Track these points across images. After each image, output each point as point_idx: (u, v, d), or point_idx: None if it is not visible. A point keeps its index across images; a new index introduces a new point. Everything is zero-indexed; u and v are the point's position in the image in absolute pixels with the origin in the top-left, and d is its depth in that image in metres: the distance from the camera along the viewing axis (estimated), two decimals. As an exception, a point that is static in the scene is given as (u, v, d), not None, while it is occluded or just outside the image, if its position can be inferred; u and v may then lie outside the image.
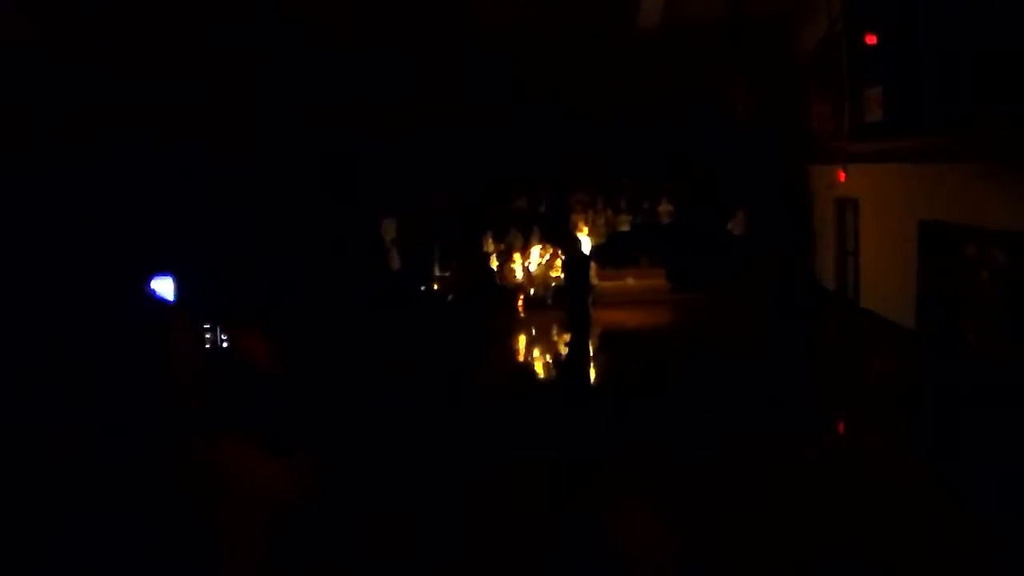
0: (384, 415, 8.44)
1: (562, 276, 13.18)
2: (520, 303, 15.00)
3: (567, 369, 10.95)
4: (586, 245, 13.33)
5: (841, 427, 8.40)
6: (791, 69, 14.18)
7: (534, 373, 11.23)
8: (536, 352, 12.66)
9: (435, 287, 15.47)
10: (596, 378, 10.73)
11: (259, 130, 14.14)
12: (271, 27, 13.30)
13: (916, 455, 7.16)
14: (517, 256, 15.40)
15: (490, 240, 15.62)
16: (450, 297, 15.20)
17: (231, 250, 12.34)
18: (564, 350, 11.81)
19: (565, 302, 12.11)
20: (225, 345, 9.18)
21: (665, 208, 16.16)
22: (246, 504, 4.54)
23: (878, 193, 11.17)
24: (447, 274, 15.56)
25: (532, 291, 15.05)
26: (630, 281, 15.42)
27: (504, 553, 4.55)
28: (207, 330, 9.26)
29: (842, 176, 11.91)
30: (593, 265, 13.24)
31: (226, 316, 9.28)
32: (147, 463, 5.35)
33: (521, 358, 12.36)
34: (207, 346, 9.21)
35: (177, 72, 12.99)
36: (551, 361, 11.73)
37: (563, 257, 12.80)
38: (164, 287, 11.44)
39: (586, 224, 15.48)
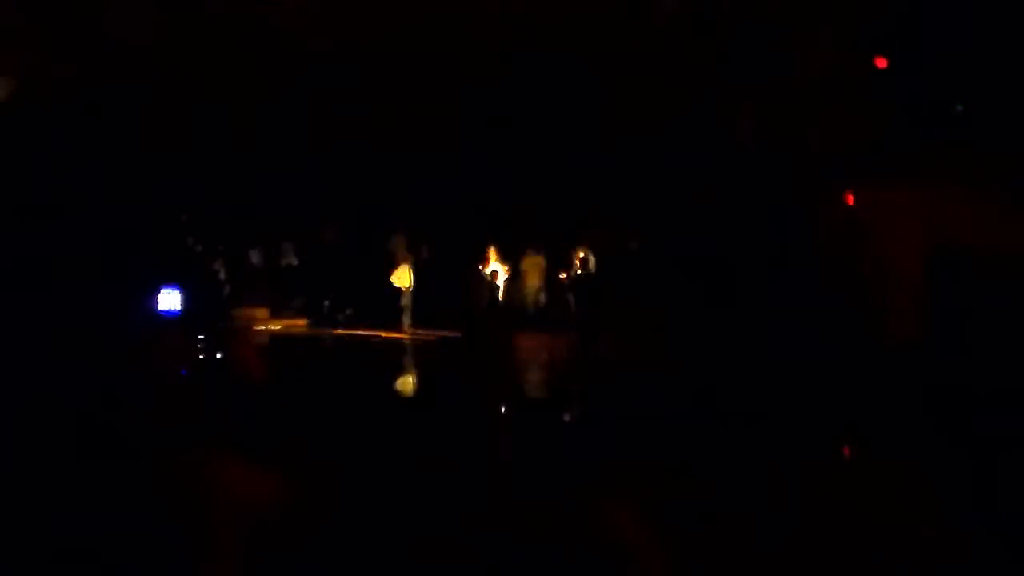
0: (376, 427, 8.30)
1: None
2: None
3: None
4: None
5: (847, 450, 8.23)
6: (798, 91, 14.11)
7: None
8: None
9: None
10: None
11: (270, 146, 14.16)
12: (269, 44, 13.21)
13: (925, 473, 6.98)
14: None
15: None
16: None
17: (231, 264, 12.35)
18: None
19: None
20: (219, 356, 9.14)
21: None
22: (234, 513, 4.44)
23: (887, 214, 11.06)
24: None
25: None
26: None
27: (487, 553, 4.47)
28: (201, 341, 9.24)
29: (850, 199, 11.81)
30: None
31: (222, 328, 9.25)
32: (135, 469, 5.28)
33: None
34: (201, 356, 9.17)
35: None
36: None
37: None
38: (170, 299, 11.42)
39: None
